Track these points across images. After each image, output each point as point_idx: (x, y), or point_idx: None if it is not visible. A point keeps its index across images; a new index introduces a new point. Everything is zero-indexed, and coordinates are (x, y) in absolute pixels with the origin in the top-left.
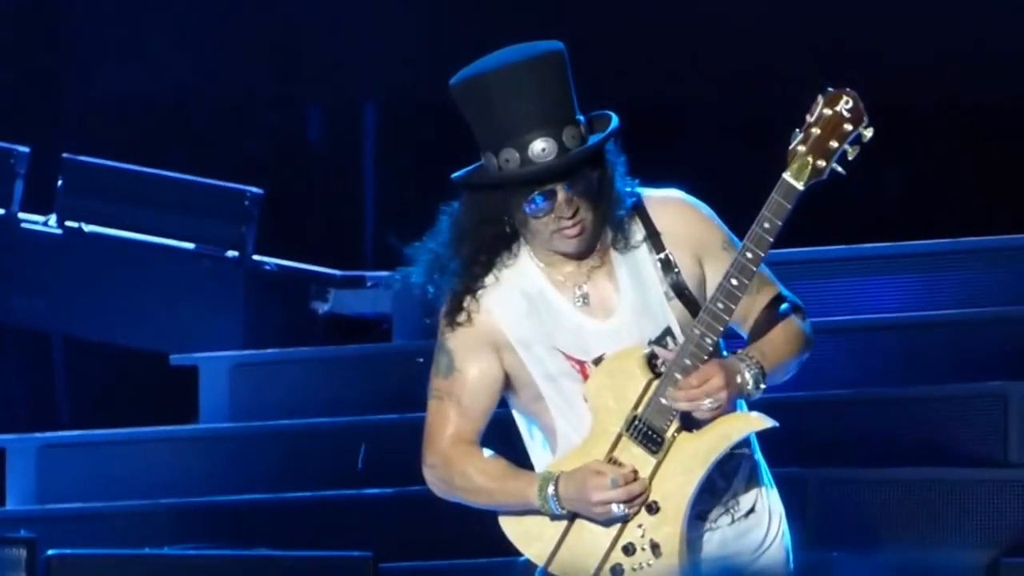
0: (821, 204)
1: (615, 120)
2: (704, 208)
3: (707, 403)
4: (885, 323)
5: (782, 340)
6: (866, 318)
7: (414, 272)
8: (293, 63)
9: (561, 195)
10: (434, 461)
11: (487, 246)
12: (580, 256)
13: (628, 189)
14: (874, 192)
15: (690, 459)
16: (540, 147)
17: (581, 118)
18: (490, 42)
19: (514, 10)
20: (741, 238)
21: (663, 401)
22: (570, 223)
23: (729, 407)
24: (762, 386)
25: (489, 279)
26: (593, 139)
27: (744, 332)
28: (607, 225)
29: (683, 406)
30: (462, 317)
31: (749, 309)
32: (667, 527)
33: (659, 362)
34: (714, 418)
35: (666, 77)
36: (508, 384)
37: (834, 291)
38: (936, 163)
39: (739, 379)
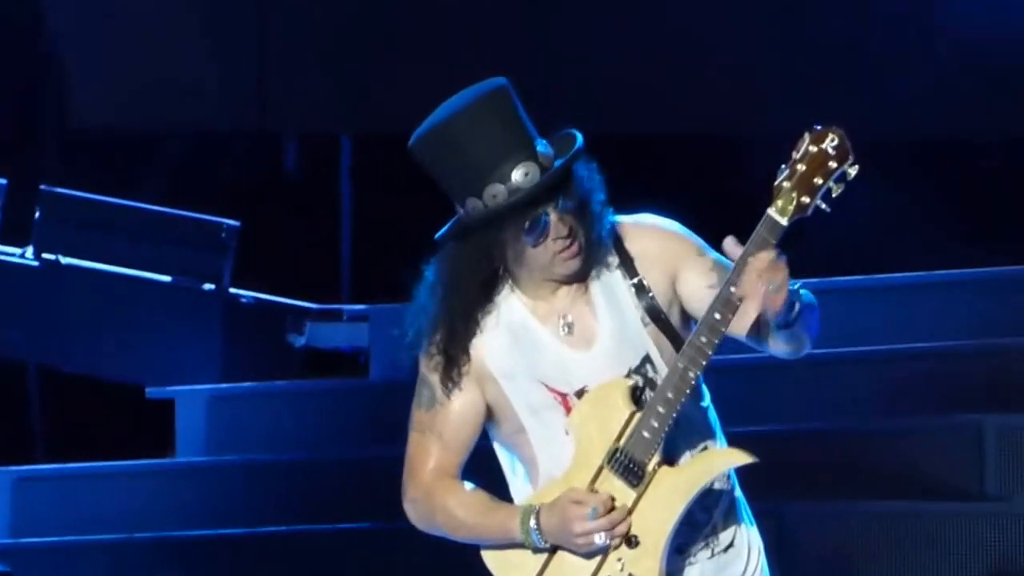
0: (799, 236)
1: (580, 136)
2: (672, 225)
3: (773, 284)
4: (860, 356)
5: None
6: (841, 351)
7: (407, 332)
8: (269, 96)
9: (554, 215)
10: (415, 495)
11: (475, 291)
12: (579, 278)
13: (608, 217)
14: (850, 224)
15: (671, 493)
16: (523, 172)
17: (544, 141)
18: (462, 77)
19: (486, 46)
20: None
21: (645, 435)
22: (568, 241)
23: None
24: (803, 297)
25: (474, 318)
26: (558, 162)
27: (755, 335)
28: (595, 241)
29: (750, 279)
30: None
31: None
32: (647, 561)
33: (642, 395)
34: (702, 449)
35: (634, 111)
36: (490, 416)
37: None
38: (911, 196)
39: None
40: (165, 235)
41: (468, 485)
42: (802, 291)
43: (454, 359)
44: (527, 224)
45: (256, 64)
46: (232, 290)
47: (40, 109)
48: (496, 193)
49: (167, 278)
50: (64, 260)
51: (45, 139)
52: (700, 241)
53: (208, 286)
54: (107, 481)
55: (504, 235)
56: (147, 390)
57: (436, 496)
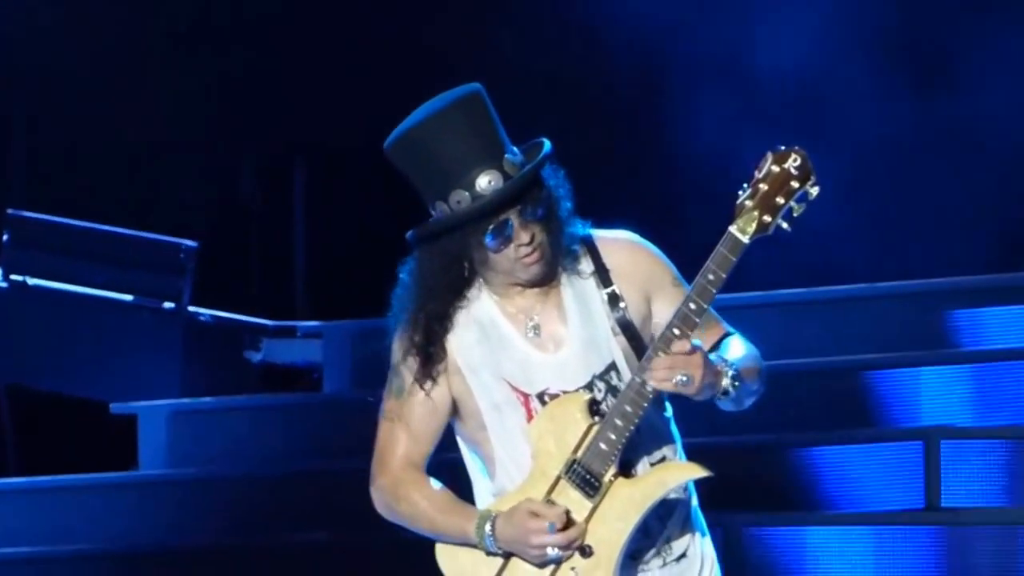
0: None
1: (547, 144)
2: (652, 247)
3: (679, 377)
4: (803, 368)
5: (741, 349)
6: (785, 363)
7: (391, 329)
8: (225, 118)
9: (516, 222)
10: (383, 483)
11: (447, 289)
12: (541, 283)
13: (578, 228)
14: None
15: (626, 505)
16: (486, 180)
17: (515, 149)
18: (419, 95)
19: (445, 66)
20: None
21: (602, 447)
22: (529, 249)
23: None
24: (737, 384)
25: (447, 316)
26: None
27: None
28: (560, 249)
29: (658, 374)
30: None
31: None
32: (599, 571)
33: (602, 404)
34: (660, 459)
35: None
36: (455, 411)
37: (754, 335)
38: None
39: (717, 367)
40: (127, 256)
41: (435, 482)
42: (735, 362)
43: (429, 356)
44: (489, 230)
45: (214, 87)
46: (191, 308)
47: (6, 135)
48: (461, 199)
49: (129, 298)
50: (31, 281)
51: (12, 164)
52: (675, 270)
53: (168, 305)
54: (74, 494)
55: (468, 240)
56: (111, 406)
57: (402, 487)
